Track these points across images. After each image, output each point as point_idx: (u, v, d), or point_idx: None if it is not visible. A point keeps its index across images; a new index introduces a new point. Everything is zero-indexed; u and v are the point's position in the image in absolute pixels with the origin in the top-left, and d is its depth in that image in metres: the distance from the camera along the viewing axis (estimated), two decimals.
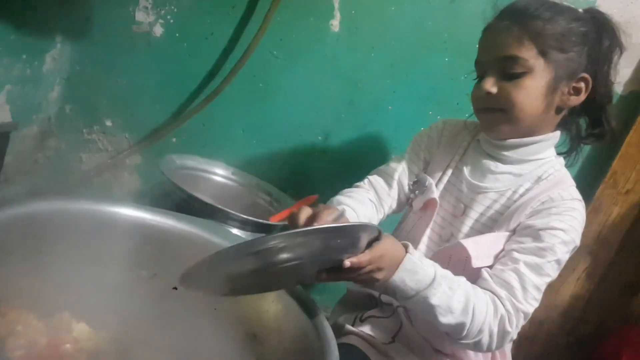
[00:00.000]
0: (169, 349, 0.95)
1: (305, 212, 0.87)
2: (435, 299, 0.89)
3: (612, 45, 1.01)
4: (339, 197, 1.14)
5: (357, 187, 1.21)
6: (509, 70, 0.98)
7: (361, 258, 0.81)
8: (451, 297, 0.90)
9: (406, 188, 1.20)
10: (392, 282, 0.89)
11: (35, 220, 0.85)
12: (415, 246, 1.09)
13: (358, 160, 1.63)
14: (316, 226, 0.74)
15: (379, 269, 0.85)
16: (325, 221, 0.84)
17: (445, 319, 0.91)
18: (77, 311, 0.93)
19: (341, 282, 0.95)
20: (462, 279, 0.95)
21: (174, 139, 1.69)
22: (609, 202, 1.54)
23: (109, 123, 1.70)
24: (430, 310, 0.91)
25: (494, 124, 1.04)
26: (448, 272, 0.93)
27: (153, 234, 0.98)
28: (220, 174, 1.55)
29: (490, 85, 1.00)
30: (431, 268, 0.91)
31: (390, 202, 1.20)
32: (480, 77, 1.05)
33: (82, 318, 0.93)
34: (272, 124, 1.65)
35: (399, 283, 0.89)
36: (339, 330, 1.12)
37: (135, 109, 1.68)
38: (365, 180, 1.22)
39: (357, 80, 1.60)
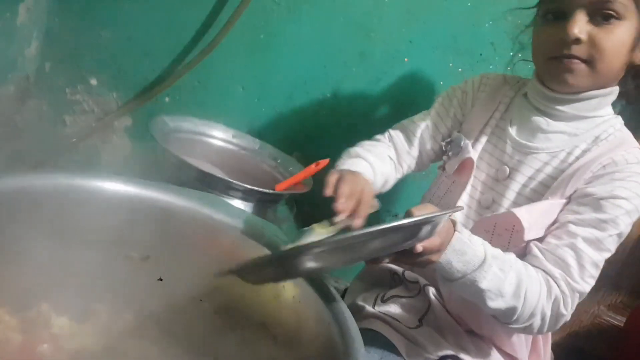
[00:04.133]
0: (164, 341, 0.83)
1: (348, 193, 0.82)
2: (485, 282, 0.80)
3: None
4: (357, 150, 1.06)
5: (377, 140, 1.13)
6: (603, 12, 0.85)
7: (433, 242, 0.74)
8: (502, 280, 0.81)
9: (429, 147, 1.11)
10: (436, 263, 0.79)
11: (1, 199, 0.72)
12: None
13: (371, 119, 1.52)
14: (413, 219, 0.66)
15: (439, 251, 0.77)
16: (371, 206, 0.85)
17: (495, 303, 0.82)
18: (57, 303, 0.81)
19: None
20: (512, 257, 0.85)
21: (166, 98, 1.57)
22: None
23: (94, 82, 1.59)
24: (478, 293, 0.81)
25: (570, 75, 0.89)
26: (498, 252, 0.83)
27: (143, 210, 0.85)
28: (219, 137, 1.41)
29: (580, 30, 0.86)
30: (480, 247, 0.81)
31: (410, 161, 1.12)
32: (556, 17, 0.90)
33: (63, 311, 0.81)
34: (275, 80, 1.53)
35: (444, 265, 0.79)
36: (358, 313, 1.02)
37: (123, 65, 1.57)
38: (386, 134, 1.14)
39: (368, 29, 1.46)
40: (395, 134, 1.12)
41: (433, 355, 0.93)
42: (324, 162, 1.26)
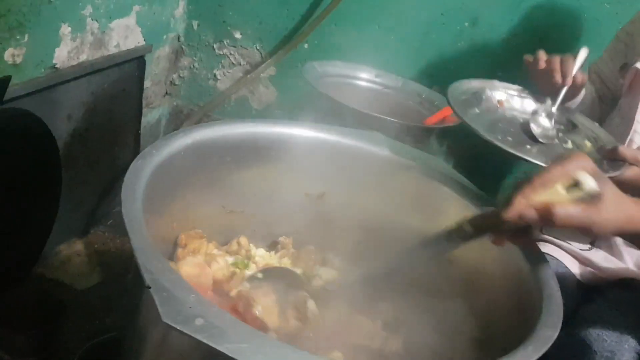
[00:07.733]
0: (347, 270, 0.90)
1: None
2: None
3: None
4: None
5: None
6: None
7: None
8: None
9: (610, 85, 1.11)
10: None
11: (206, 148, 0.81)
12: (630, 127, 0.97)
13: (512, 45, 1.46)
14: None
15: None
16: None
17: None
18: (252, 237, 0.92)
19: None
20: None
21: (305, 45, 1.59)
22: None
23: (238, 35, 1.64)
24: None
25: None
26: None
27: (322, 151, 0.91)
28: (364, 78, 1.44)
29: None
30: None
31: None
32: None
33: (259, 243, 0.92)
34: (410, 14, 1.50)
35: None
36: None
37: (263, 16, 1.60)
38: None
39: None
40: None
41: (610, 278, 0.91)
42: None
